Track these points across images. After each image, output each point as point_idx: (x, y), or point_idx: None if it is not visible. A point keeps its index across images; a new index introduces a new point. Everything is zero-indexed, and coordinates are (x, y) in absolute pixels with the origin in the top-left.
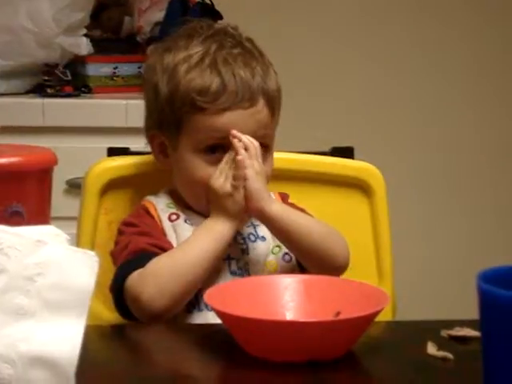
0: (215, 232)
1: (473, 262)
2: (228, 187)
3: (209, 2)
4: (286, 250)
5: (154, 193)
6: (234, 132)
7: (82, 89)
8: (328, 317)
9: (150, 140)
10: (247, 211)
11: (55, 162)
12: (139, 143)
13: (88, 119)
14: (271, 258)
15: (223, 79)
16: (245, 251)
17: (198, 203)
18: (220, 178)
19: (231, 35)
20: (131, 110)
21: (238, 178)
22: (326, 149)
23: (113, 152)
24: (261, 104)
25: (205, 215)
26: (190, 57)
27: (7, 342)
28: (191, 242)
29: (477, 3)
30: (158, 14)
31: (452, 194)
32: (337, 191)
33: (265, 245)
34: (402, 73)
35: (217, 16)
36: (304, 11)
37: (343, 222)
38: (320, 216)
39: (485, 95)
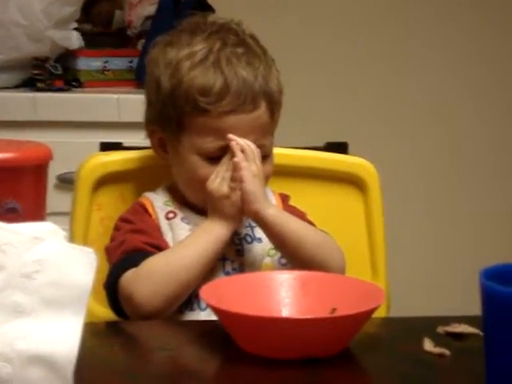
0: (211, 233)
1: (467, 257)
2: (224, 189)
3: None
4: None
5: (148, 188)
6: (230, 135)
7: (73, 83)
8: (324, 313)
9: (150, 135)
10: (243, 213)
11: (51, 157)
12: (131, 138)
13: (79, 114)
14: (267, 260)
15: (226, 79)
16: (240, 252)
17: (198, 200)
18: (216, 179)
19: (234, 32)
20: (123, 104)
21: (235, 179)
22: (320, 144)
23: (105, 147)
24: (263, 108)
25: (204, 213)
26: (194, 54)
27: (5, 340)
28: (187, 242)
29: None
30: (149, 8)
31: (447, 189)
32: (331, 187)
33: (261, 247)
34: (396, 67)
35: (209, 10)
36: (298, 5)
37: (337, 218)
38: (313, 212)
39: (480, 87)
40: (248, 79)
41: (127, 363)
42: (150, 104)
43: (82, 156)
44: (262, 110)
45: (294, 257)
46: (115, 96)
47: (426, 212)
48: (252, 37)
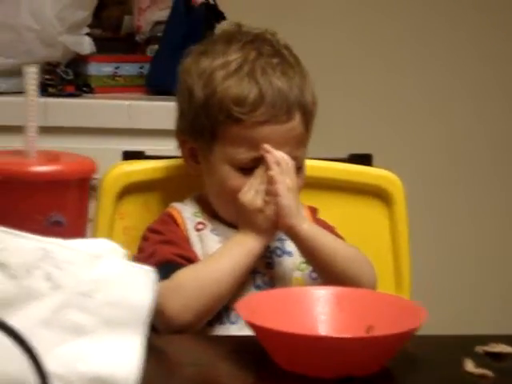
0: (244, 247)
1: (496, 274)
2: (258, 202)
3: (212, 2)
4: None
5: (173, 198)
6: (266, 146)
7: (84, 88)
8: (360, 330)
9: (181, 144)
10: (277, 227)
11: (95, 170)
12: (143, 145)
13: (91, 119)
14: (297, 274)
15: (261, 89)
16: (270, 265)
17: (227, 212)
18: (249, 192)
19: (269, 42)
20: (134, 110)
21: (270, 193)
22: (342, 155)
23: (128, 156)
24: (297, 119)
25: (233, 225)
26: (228, 63)
27: (65, 362)
28: (219, 256)
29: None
30: (158, 14)
31: (473, 204)
32: (355, 199)
33: (291, 260)
34: (421, 79)
35: (220, 16)
36: (316, 12)
37: (361, 231)
38: (337, 224)
39: (507, 109)
40: (283, 89)
41: (157, 378)
42: (181, 114)
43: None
44: (297, 121)
45: (325, 271)
46: (127, 102)
47: (453, 226)
48: (286, 47)
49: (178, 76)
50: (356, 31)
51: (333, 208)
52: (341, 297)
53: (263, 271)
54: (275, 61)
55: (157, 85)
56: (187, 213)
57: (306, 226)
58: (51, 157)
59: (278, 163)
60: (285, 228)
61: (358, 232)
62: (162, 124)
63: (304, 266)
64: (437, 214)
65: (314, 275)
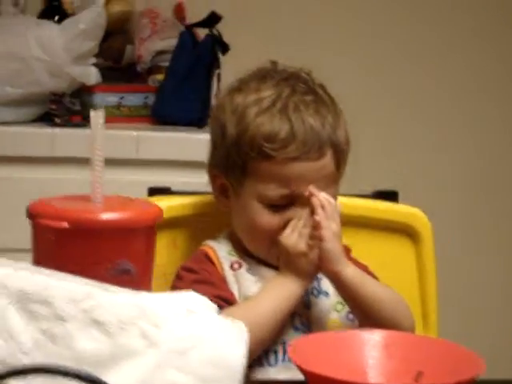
0: (285, 290)
1: None
2: (302, 246)
3: (216, 33)
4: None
5: (201, 235)
6: (312, 189)
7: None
8: (410, 377)
9: (212, 179)
10: (319, 271)
11: (161, 217)
12: (151, 176)
13: None
14: (334, 315)
15: (293, 126)
16: (307, 306)
17: (257, 250)
18: (292, 235)
19: (304, 80)
20: (142, 141)
21: (314, 237)
22: (367, 192)
23: (154, 192)
24: (328, 157)
25: (265, 263)
26: (261, 100)
27: None
28: (260, 299)
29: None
30: (159, 43)
31: (502, 243)
32: (382, 236)
33: (328, 301)
34: (444, 112)
35: (225, 48)
36: (331, 38)
37: (388, 269)
38: (364, 261)
39: None
40: (315, 127)
41: None
42: (214, 149)
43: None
44: (328, 159)
45: (367, 317)
46: (134, 133)
47: (481, 265)
48: (321, 86)
49: (211, 112)
50: (379, 68)
51: (359, 245)
52: (389, 341)
53: (301, 312)
54: (309, 98)
55: (163, 115)
56: (222, 251)
57: (350, 272)
58: (118, 203)
59: (323, 207)
60: (329, 273)
61: (384, 269)
62: (169, 155)
63: (340, 306)
64: (464, 253)
65: (351, 316)
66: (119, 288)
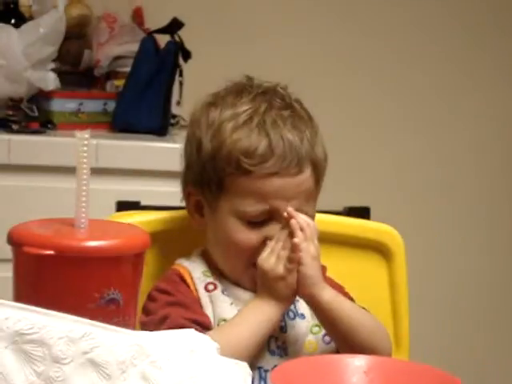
0: (263, 315)
1: (498, 332)
2: (280, 269)
3: (178, 40)
4: None
5: (172, 253)
6: (291, 210)
7: (48, 125)
8: None
9: (187, 197)
10: (296, 294)
11: (149, 244)
12: (109, 184)
13: (56, 158)
14: (310, 337)
15: (271, 141)
16: (283, 329)
17: (233, 270)
18: (271, 258)
19: (281, 95)
20: (101, 149)
21: (292, 260)
22: (339, 208)
23: (122, 206)
24: (308, 172)
25: (240, 285)
26: (238, 115)
27: None
28: (237, 323)
29: None
30: (117, 49)
31: (474, 259)
32: (354, 253)
33: (304, 323)
34: (412, 129)
35: (187, 55)
36: (299, 47)
37: (360, 286)
38: (335, 278)
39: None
40: (294, 142)
41: None
42: (188, 165)
43: (57, 202)
44: (307, 175)
45: (344, 341)
46: (94, 141)
47: (455, 281)
48: (298, 101)
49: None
50: (351, 79)
51: (331, 262)
52: (372, 366)
53: (276, 335)
54: (286, 113)
55: (123, 123)
56: (196, 272)
57: (328, 296)
58: (104, 229)
59: (302, 229)
60: (306, 297)
61: (356, 287)
62: (130, 164)
63: (317, 328)
64: (435, 269)
65: (328, 339)
66: (118, 328)
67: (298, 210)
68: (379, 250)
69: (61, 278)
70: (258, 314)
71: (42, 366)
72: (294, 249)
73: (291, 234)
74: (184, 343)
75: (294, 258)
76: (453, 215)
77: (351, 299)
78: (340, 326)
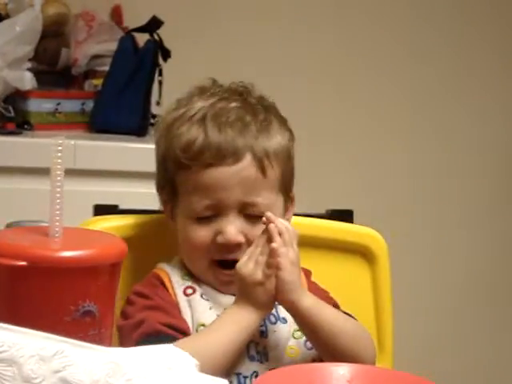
0: (241, 321)
1: (482, 340)
2: (259, 275)
3: (157, 39)
4: None
5: (151, 257)
6: (269, 215)
7: (25, 126)
8: None
9: (163, 203)
10: (275, 301)
11: (126, 253)
12: (87, 186)
13: (33, 159)
14: (292, 343)
15: (207, 133)
16: (264, 334)
17: (199, 271)
18: (249, 263)
19: (239, 92)
20: (79, 150)
21: (271, 266)
22: (322, 211)
23: (100, 210)
24: (247, 161)
25: (214, 287)
26: (187, 111)
27: None
28: (215, 330)
29: None
30: (96, 47)
31: (458, 262)
32: (337, 256)
33: (285, 327)
34: (401, 131)
35: (166, 54)
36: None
37: (342, 290)
38: (318, 282)
39: (494, 148)
40: (232, 133)
41: None
42: (156, 170)
43: (32, 204)
44: (247, 163)
45: (325, 347)
46: (72, 142)
47: (438, 286)
48: (260, 97)
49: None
50: (333, 82)
51: (314, 265)
52: (354, 374)
53: (257, 340)
54: (232, 105)
55: (101, 123)
56: (176, 276)
57: (307, 302)
58: (79, 237)
59: (281, 233)
60: (285, 303)
61: (339, 291)
62: (108, 165)
63: (299, 333)
64: (419, 273)
65: (309, 344)
66: (93, 345)
67: (245, 201)
68: (362, 253)
69: (35, 290)
70: (236, 321)
71: None
72: (272, 254)
73: (270, 240)
74: (161, 360)
75: (272, 264)
76: (437, 218)
77: (335, 305)
78: (321, 332)
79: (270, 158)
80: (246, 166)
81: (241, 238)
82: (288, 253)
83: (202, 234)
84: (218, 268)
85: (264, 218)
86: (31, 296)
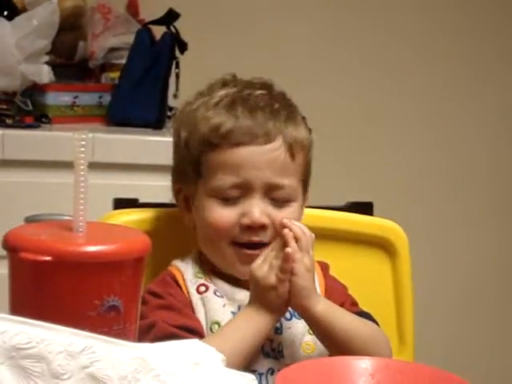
0: (255, 324)
1: (504, 332)
2: (273, 279)
3: (174, 31)
4: None
5: (167, 252)
6: (285, 221)
7: (43, 119)
8: None
9: (176, 195)
10: (289, 305)
11: (150, 247)
12: (106, 179)
13: (51, 152)
14: (308, 339)
15: (237, 116)
16: (279, 330)
17: (220, 259)
18: (263, 266)
19: (260, 86)
20: (97, 143)
21: (285, 271)
22: (342, 203)
23: (120, 203)
24: (278, 143)
25: (233, 282)
26: (211, 99)
27: None
28: (229, 332)
29: None
30: (112, 40)
31: (478, 254)
32: (357, 249)
33: (301, 323)
34: (422, 124)
35: (183, 46)
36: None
37: (363, 282)
38: (338, 275)
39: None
40: (263, 116)
41: None
42: (174, 162)
43: (53, 198)
44: (278, 145)
45: (341, 352)
46: (90, 135)
47: (456, 276)
48: (281, 93)
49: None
50: (352, 80)
51: (333, 259)
52: (376, 368)
53: (272, 337)
54: (259, 92)
55: (119, 116)
56: (189, 274)
57: (321, 308)
58: (103, 232)
59: (297, 239)
60: (298, 309)
61: (359, 283)
62: (126, 158)
63: None
64: (440, 265)
65: None
66: (120, 341)
67: (272, 182)
68: (383, 246)
69: (59, 285)
70: (250, 325)
71: (40, 381)
72: (287, 259)
73: (285, 244)
74: (188, 355)
75: (285, 269)
76: (458, 211)
77: (353, 302)
78: (334, 338)
79: (297, 145)
80: (277, 147)
81: (266, 220)
82: (303, 258)
83: (226, 214)
84: (240, 247)
85: (281, 224)
86: (56, 291)
